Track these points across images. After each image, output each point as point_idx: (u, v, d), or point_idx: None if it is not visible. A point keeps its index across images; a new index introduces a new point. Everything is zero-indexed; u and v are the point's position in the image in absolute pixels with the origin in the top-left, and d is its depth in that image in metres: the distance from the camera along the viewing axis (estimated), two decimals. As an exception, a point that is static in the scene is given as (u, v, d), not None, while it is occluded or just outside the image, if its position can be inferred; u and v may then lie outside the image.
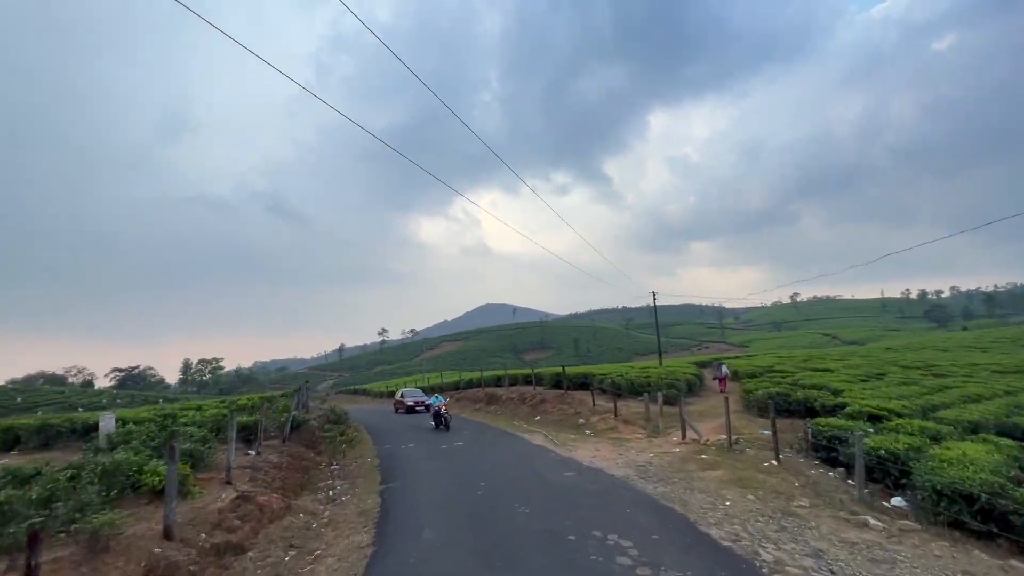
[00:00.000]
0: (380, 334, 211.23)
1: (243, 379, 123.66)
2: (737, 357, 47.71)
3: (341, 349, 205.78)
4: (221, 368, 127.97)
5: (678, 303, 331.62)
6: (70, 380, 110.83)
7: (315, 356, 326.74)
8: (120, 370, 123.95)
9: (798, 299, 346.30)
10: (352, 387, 63.45)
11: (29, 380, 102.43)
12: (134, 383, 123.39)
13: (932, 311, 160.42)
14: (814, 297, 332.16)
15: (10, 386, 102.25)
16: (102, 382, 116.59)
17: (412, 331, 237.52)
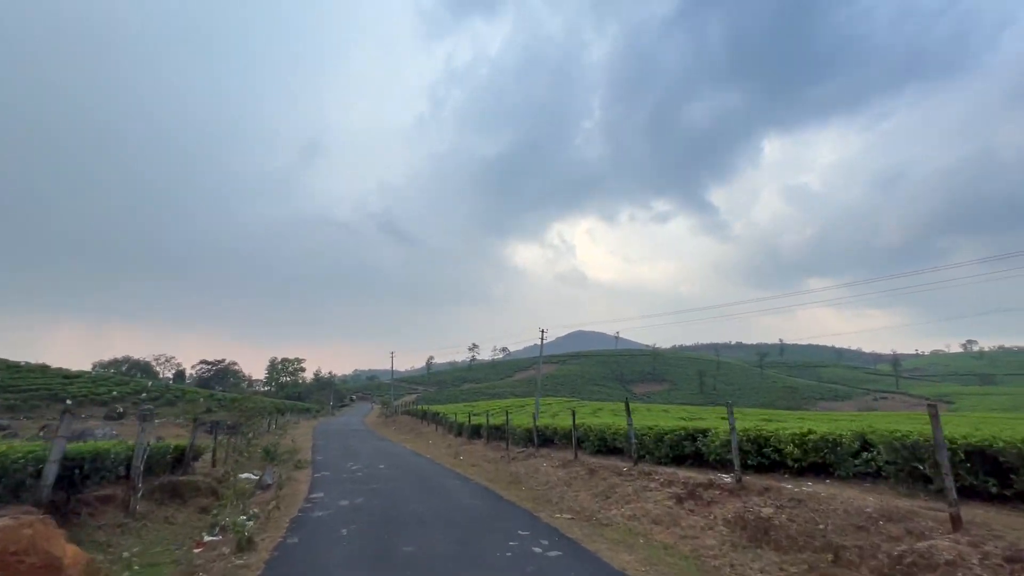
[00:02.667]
0: (471, 349, 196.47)
1: (321, 384, 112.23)
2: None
3: (429, 362, 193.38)
4: (302, 369, 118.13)
5: (803, 343, 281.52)
6: (156, 368, 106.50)
7: (408, 369, 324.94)
8: (208, 363, 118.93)
9: (973, 348, 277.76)
10: (422, 407, 43.67)
11: (115, 364, 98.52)
12: (218, 379, 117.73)
13: None
14: (1000, 347, 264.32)
15: (97, 369, 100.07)
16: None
17: (504, 349, 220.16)
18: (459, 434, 25.91)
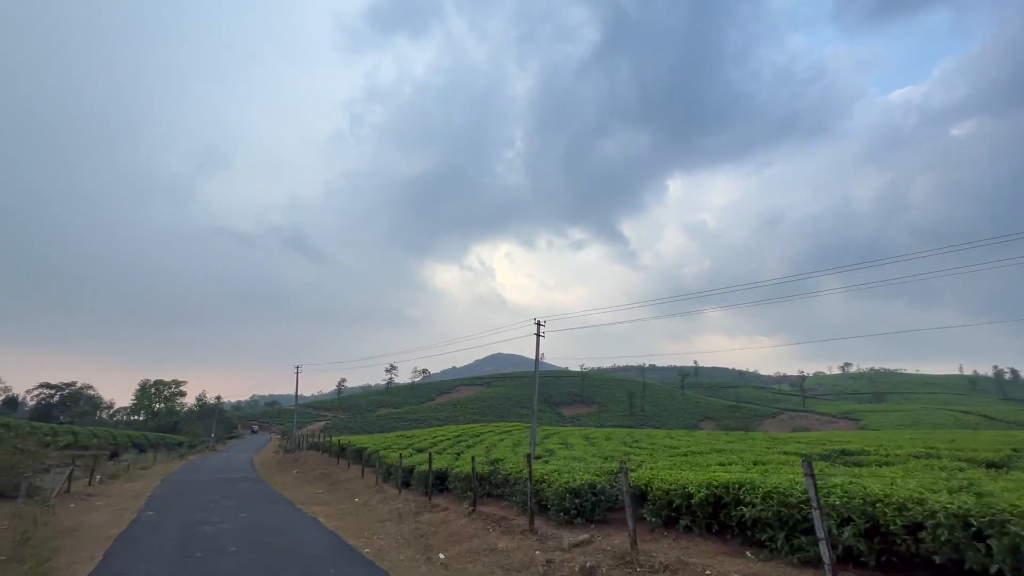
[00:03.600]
0: (388, 371, 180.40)
1: (205, 411, 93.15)
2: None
3: (340, 385, 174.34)
4: (181, 394, 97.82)
5: (707, 366, 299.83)
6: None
7: (315, 394, 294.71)
8: (51, 387, 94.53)
9: (849, 369, 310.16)
10: (336, 439, 32.31)
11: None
12: (64, 406, 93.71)
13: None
14: (871, 369, 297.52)
15: None
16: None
17: (424, 371, 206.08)
18: (405, 484, 16.39)
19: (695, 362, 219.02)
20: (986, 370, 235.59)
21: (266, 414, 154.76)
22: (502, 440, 29.88)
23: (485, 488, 12.81)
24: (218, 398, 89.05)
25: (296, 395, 37.63)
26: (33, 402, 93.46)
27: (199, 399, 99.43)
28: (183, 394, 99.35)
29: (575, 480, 9.44)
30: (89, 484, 21.11)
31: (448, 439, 30.69)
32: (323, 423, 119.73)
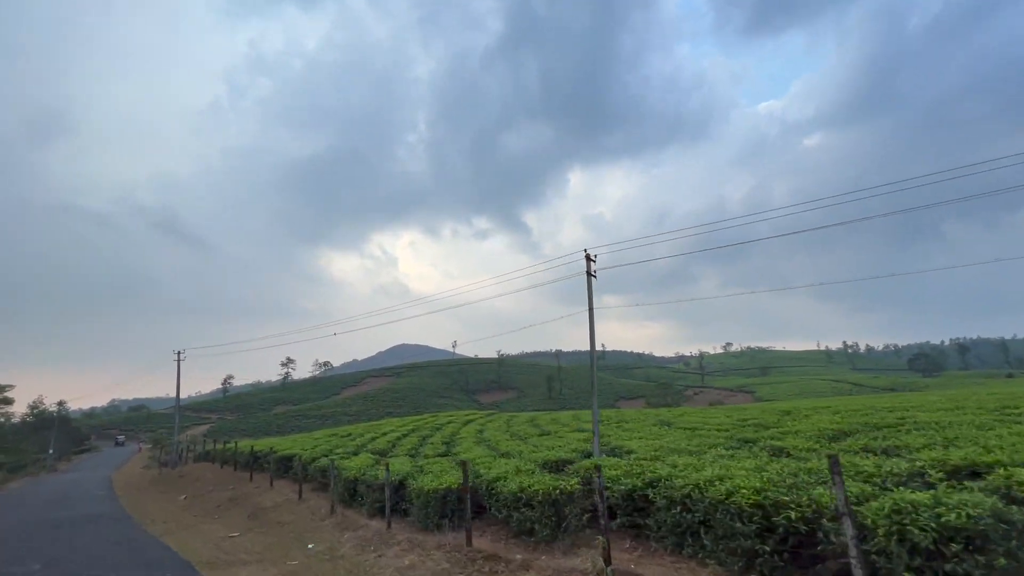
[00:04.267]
0: (284, 364, 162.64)
1: (42, 421, 73.98)
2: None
3: (226, 383, 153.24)
4: (8, 401, 76.82)
5: (611, 349, 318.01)
6: None
7: (195, 394, 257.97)
8: None
9: (731, 348, 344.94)
10: (243, 446, 23.58)
11: None
12: None
13: (916, 360, 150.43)
14: (748, 347, 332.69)
15: None
16: None
17: (326, 364, 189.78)
18: (390, 511, 9.96)
19: (603, 345, 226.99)
20: (837, 345, 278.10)
21: (130, 420, 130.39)
22: (482, 431, 23.92)
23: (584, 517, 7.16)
24: (60, 403, 70.84)
25: (178, 388, 28.20)
26: None
27: (33, 406, 78.78)
28: (8, 401, 78.10)
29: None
30: None
31: (401, 434, 24.03)
32: (207, 427, 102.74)
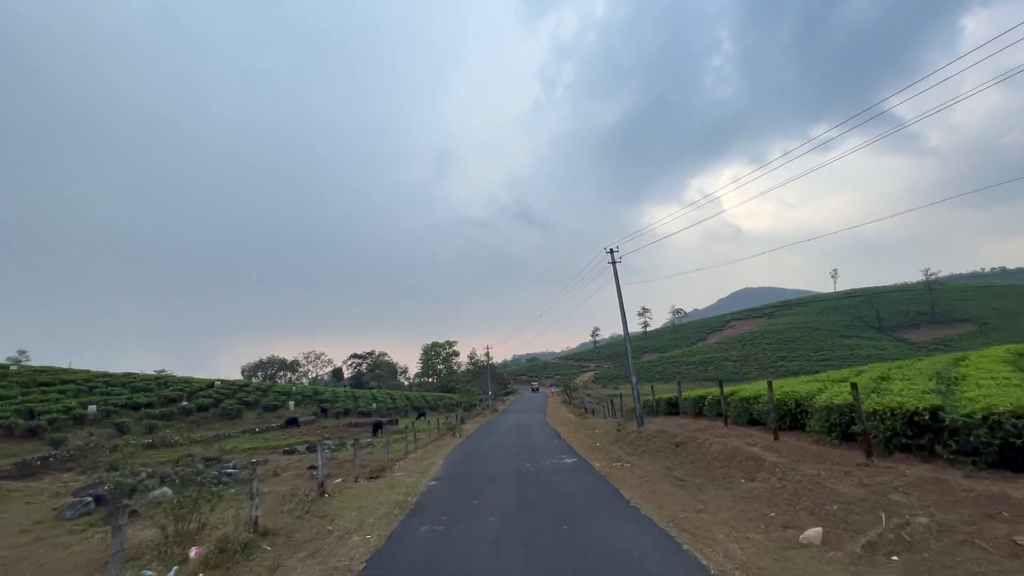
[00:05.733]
0: (640, 315, 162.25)
1: (479, 369, 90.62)
2: None
3: (595, 335, 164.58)
4: (455, 354, 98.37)
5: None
6: (303, 367, 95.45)
7: (564, 349, 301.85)
8: (358, 356, 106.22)
9: None
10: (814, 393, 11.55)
11: (261, 366, 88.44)
12: (370, 373, 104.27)
13: None
14: None
15: (246, 372, 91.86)
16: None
17: (679, 311, 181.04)
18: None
19: None
20: None
21: (528, 370, 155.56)
22: None
23: None
24: (487, 353, 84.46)
25: (619, 289, 19.37)
26: (349, 371, 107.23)
27: (470, 356, 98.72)
28: (457, 354, 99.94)
29: None
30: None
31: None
32: (591, 374, 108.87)
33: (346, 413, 39.83)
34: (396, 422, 36.49)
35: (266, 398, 36.59)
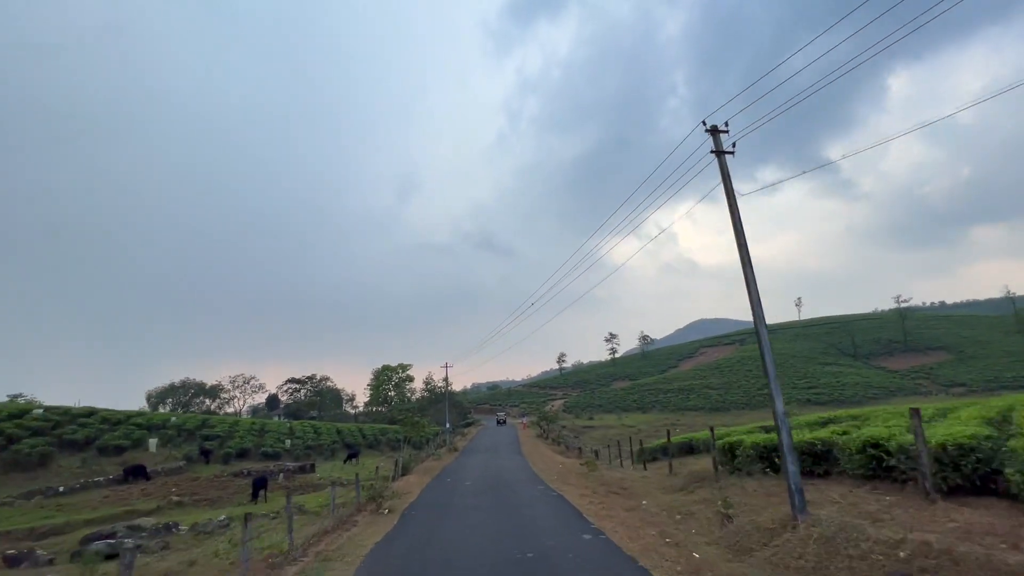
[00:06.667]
0: (608, 340, 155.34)
1: (435, 397, 79.29)
2: None
3: (561, 362, 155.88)
4: (409, 379, 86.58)
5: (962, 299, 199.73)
6: (227, 393, 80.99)
7: (524, 377, 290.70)
8: (296, 381, 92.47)
9: None
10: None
11: (172, 391, 73.59)
12: (312, 399, 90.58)
13: None
14: None
15: (152, 399, 76.56)
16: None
17: (645, 338, 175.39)
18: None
19: (1009, 290, 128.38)
20: None
21: (494, 397, 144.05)
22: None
23: None
24: (445, 378, 73.63)
25: (733, 206, 10.50)
26: (285, 397, 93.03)
27: (426, 383, 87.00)
28: (411, 379, 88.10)
29: None
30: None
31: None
32: (561, 402, 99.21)
33: (241, 455, 28.47)
34: (312, 468, 25.54)
35: (110, 434, 24.84)
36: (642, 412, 75.33)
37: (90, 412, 26.31)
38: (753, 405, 70.66)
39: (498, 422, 66.30)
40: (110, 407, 40.28)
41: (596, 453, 30.59)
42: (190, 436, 28.43)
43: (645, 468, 19.27)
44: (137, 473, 20.72)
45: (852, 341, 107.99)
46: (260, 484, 18.28)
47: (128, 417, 28.16)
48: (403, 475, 20.22)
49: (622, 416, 71.90)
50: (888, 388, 74.89)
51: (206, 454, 26.71)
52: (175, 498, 17.32)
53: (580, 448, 29.07)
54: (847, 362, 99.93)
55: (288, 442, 32.63)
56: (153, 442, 25.42)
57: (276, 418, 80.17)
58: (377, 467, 21.29)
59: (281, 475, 23.11)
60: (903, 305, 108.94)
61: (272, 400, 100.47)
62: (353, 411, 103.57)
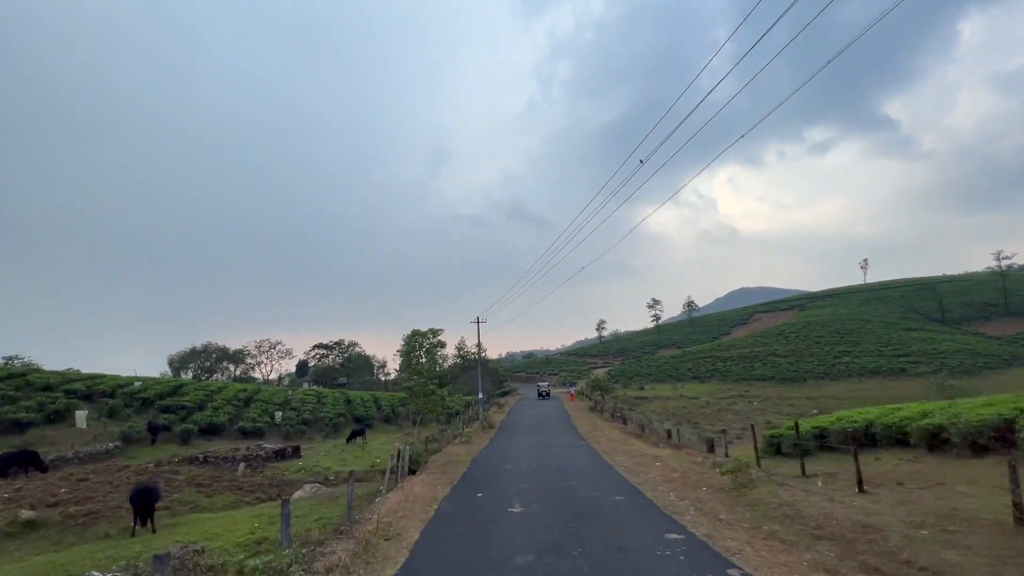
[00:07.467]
0: (651, 306, 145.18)
1: (468, 363, 73.11)
2: None
3: (600, 329, 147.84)
4: (441, 344, 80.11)
5: None
6: (253, 358, 77.39)
7: (559, 347, 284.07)
8: (324, 347, 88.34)
9: None
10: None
11: (194, 355, 70.16)
12: (343, 366, 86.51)
13: None
14: None
15: (173, 364, 73.77)
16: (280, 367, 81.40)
17: (692, 303, 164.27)
18: None
19: None
20: None
21: (527, 366, 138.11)
22: None
23: None
24: (478, 339, 67.24)
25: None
26: (313, 364, 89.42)
27: (458, 349, 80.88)
28: (442, 344, 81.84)
29: None
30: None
31: None
32: (605, 370, 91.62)
33: (211, 432, 22.39)
34: (296, 452, 19.03)
35: (20, 404, 18.87)
36: (700, 382, 66.89)
37: (21, 374, 20.67)
38: (834, 375, 60.94)
39: (540, 394, 53.72)
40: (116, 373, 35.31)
41: (669, 433, 23.07)
42: (147, 406, 22.58)
43: (803, 472, 11.48)
44: (22, 461, 14.75)
45: (940, 305, 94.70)
46: (141, 500, 11.39)
47: (66, 380, 22.41)
48: (409, 474, 13.09)
49: (677, 386, 63.75)
50: (1000, 356, 63.40)
51: (155, 431, 20.80)
52: (25, 514, 11.04)
53: (668, 432, 21.36)
54: (934, 327, 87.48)
55: (279, 415, 26.63)
56: (82, 415, 19.57)
57: (304, 385, 76.40)
58: (373, 463, 14.31)
59: (242, 465, 16.91)
60: (1005, 264, 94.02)
61: (302, 366, 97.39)
62: (384, 379, 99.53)
